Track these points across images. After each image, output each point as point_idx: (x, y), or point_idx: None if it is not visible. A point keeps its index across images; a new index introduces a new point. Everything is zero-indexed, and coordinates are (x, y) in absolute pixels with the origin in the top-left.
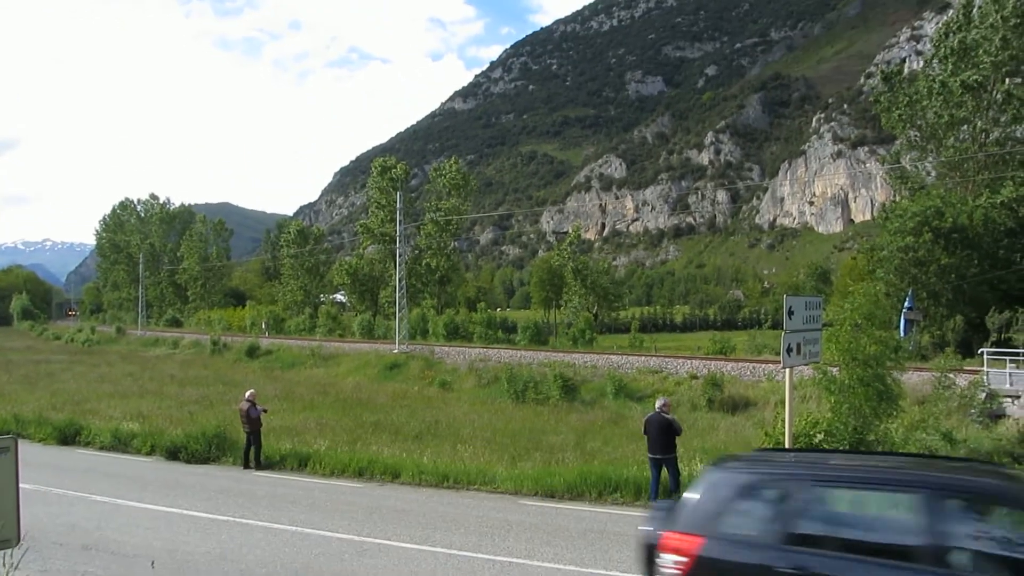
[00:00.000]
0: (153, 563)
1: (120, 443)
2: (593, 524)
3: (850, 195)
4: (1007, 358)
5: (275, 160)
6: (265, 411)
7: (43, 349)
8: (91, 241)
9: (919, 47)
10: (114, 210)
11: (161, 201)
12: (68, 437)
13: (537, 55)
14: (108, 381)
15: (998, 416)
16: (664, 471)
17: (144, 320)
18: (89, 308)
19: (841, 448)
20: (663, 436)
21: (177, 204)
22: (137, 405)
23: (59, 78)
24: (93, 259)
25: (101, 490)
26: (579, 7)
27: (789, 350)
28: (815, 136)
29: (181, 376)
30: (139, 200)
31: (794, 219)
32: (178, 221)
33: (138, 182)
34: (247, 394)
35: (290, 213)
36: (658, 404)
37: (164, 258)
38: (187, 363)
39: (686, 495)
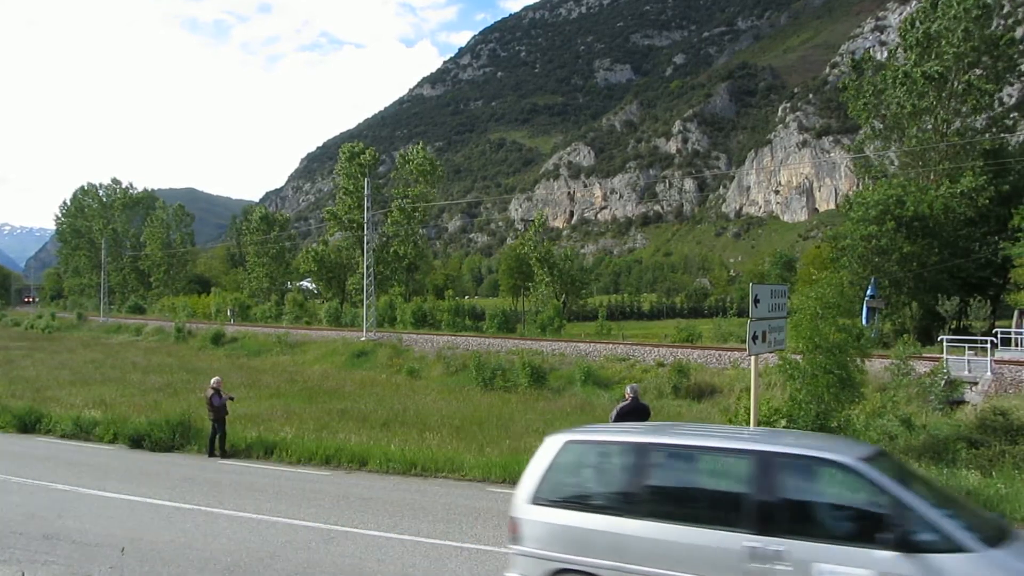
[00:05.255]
0: (123, 549)
1: (82, 431)
2: None
3: (815, 184)
4: (966, 345)
5: (242, 145)
6: (231, 399)
7: (1, 336)
8: (51, 226)
9: (883, 37)
10: (75, 195)
11: (124, 186)
12: (28, 425)
13: (506, 42)
14: (69, 368)
15: (957, 402)
16: None
17: (106, 307)
18: (49, 294)
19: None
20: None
21: (140, 189)
22: (99, 392)
23: (19, 57)
24: (53, 245)
25: (62, 478)
26: None
27: (755, 338)
28: (781, 125)
29: (144, 363)
30: (101, 185)
31: (760, 208)
32: (141, 206)
33: (101, 166)
34: (213, 381)
35: (256, 199)
36: (632, 392)
37: (127, 244)
38: (151, 350)
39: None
